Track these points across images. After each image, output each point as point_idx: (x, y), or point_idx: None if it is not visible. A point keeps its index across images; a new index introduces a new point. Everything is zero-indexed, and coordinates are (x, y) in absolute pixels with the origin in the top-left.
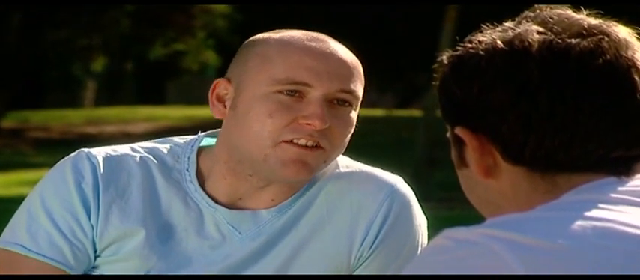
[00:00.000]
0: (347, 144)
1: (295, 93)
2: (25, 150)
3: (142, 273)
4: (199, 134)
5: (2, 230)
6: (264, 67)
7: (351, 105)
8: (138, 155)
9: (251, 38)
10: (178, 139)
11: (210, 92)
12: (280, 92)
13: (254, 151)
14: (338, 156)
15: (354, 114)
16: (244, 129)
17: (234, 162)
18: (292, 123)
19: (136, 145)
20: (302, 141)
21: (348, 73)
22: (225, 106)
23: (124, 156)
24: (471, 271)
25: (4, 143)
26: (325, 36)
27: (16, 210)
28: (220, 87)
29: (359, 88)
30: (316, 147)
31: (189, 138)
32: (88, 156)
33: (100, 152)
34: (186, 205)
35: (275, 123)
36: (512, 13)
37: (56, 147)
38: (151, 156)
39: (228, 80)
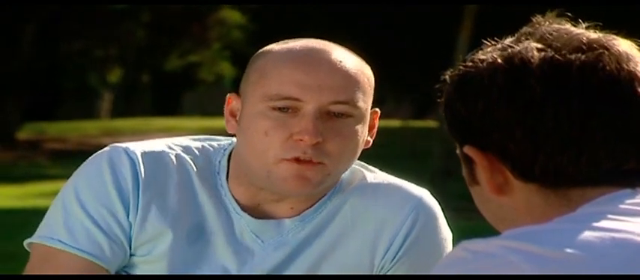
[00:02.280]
0: (354, 156)
1: (288, 109)
2: (41, 161)
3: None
4: (233, 140)
5: (19, 243)
6: (260, 82)
7: (350, 116)
8: (175, 153)
9: (259, 50)
10: (210, 140)
11: (225, 107)
12: (274, 109)
13: (258, 167)
14: (345, 168)
15: (357, 127)
16: (247, 145)
17: (245, 176)
18: (288, 139)
19: (170, 142)
20: (300, 158)
21: (342, 84)
22: (237, 121)
23: (162, 153)
24: None
25: (20, 155)
26: (328, 45)
27: (32, 222)
28: (232, 102)
29: (358, 98)
30: (315, 161)
31: (223, 140)
32: (126, 152)
33: (137, 147)
34: (218, 208)
35: (272, 141)
36: (530, 21)
37: (72, 158)
38: (187, 156)
39: (238, 95)
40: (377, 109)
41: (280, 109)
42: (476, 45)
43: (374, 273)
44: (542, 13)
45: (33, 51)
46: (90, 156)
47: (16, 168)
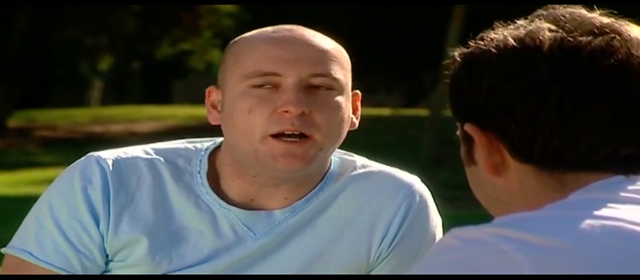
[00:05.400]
0: (341, 130)
1: (269, 85)
2: (32, 149)
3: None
4: (216, 140)
5: (9, 230)
6: (236, 65)
7: (331, 88)
8: (149, 158)
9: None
10: (193, 142)
11: (206, 101)
12: (254, 86)
13: (246, 148)
14: (334, 144)
15: (340, 99)
16: (232, 128)
17: (237, 164)
18: (273, 114)
19: (147, 147)
20: (288, 131)
21: (319, 57)
22: (219, 112)
23: (135, 159)
24: (480, 270)
25: (11, 142)
26: (297, 26)
27: (22, 209)
28: (212, 94)
29: (336, 71)
30: (304, 138)
31: (205, 142)
32: (98, 161)
33: (110, 155)
34: (199, 208)
35: (256, 118)
36: (521, 12)
37: (63, 146)
38: (162, 159)
39: (217, 86)
40: (358, 91)
41: (261, 86)
42: (467, 34)
43: (372, 261)
44: (534, 3)
45: (24, 39)
46: (80, 143)
47: (6, 155)
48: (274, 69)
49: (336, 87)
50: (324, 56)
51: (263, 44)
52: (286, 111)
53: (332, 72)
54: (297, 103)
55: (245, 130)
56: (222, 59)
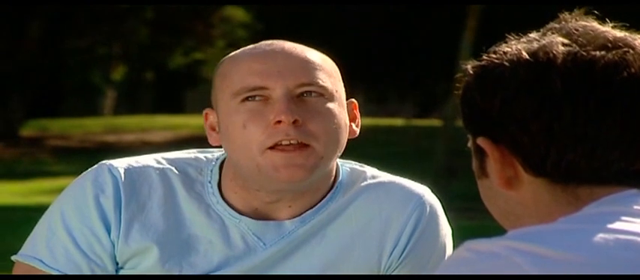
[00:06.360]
0: (339, 137)
1: (258, 97)
2: (44, 158)
3: None
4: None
5: (21, 240)
6: (223, 84)
7: (321, 96)
8: (160, 167)
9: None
10: (204, 152)
11: (205, 124)
12: (244, 100)
13: (247, 163)
14: (335, 152)
15: (331, 105)
16: (230, 145)
17: (240, 178)
18: (267, 127)
19: (159, 156)
20: (285, 142)
21: (302, 66)
22: (218, 133)
23: (146, 167)
24: None
25: (24, 151)
26: (278, 40)
27: (35, 218)
28: (209, 117)
29: (322, 79)
30: (302, 146)
31: (216, 152)
32: (110, 169)
33: (121, 164)
34: (209, 217)
35: (251, 131)
36: (535, 22)
37: (75, 155)
38: (173, 168)
39: (212, 108)
40: (353, 100)
41: (250, 100)
42: (480, 44)
43: (382, 271)
44: (547, 14)
45: (37, 48)
46: (92, 153)
47: (19, 164)
48: (261, 83)
49: (325, 95)
50: (307, 66)
51: (246, 61)
52: (279, 122)
53: (318, 80)
54: (288, 112)
55: (242, 145)
56: (212, 82)
